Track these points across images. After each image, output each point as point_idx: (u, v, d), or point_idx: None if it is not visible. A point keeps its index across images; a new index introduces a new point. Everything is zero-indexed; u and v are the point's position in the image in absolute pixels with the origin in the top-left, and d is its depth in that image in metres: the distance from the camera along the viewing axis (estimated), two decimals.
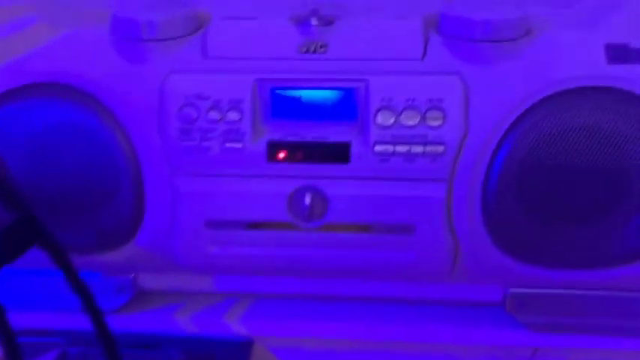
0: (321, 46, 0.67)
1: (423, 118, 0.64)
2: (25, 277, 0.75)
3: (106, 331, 0.44)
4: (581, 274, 0.69)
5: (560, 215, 0.66)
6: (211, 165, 0.67)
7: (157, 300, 0.78)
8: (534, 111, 0.64)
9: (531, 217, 0.66)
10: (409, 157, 0.65)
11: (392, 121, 0.65)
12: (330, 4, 0.74)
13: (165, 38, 0.69)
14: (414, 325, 0.75)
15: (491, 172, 0.65)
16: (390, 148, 0.65)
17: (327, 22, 0.69)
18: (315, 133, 0.66)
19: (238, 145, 0.66)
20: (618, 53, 0.65)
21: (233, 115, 0.66)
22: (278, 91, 0.66)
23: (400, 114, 0.64)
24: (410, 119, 0.64)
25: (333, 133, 0.66)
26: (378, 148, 0.65)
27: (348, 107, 0.66)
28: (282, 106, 0.67)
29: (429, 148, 0.65)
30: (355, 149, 0.66)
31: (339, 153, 0.66)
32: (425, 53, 0.66)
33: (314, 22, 0.68)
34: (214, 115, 0.66)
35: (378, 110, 0.65)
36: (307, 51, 0.67)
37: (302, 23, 0.69)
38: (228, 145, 0.66)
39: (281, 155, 0.66)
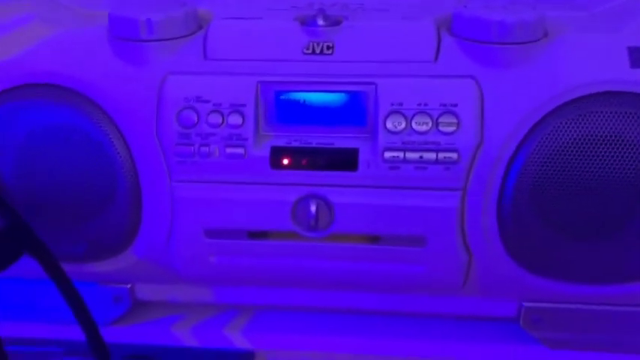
0: (327, 47, 0.67)
1: (436, 123, 0.63)
2: (24, 287, 0.75)
3: (100, 341, 0.45)
4: (599, 288, 0.69)
5: (578, 227, 0.65)
6: (212, 171, 0.66)
7: (156, 311, 0.79)
8: (553, 118, 0.63)
9: (548, 228, 0.65)
10: (421, 164, 0.64)
11: (402, 126, 0.64)
12: (338, 3, 0.74)
13: (165, 38, 0.68)
14: (423, 340, 0.75)
15: (507, 181, 0.64)
16: (400, 154, 0.64)
17: (334, 22, 0.68)
18: (321, 139, 0.66)
19: (240, 151, 0.65)
20: None
21: (235, 119, 0.65)
22: (282, 95, 0.66)
23: (411, 119, 0.64)
24: (421, 125, 0.64)
25: (340, 139, 0.66)
26: (388, 154, 0.64)
27: (356, 111, 0.66)
28: (286, 110, 0.66)
29: (441, 156, 0.64)
30: (363, 156, 0.65)
31: (346, 160, 0.65)
32: (437, 55, 0.66)
33: (320, 22, 0.68)
34: (215, 118, 0.65)
35: (388, 115, 0.64)
36: (313, 52, 0.67)
37: (307, 23, 0.68)
38: (229, 150, 0.65)
39: (285, 161, 0.66)
